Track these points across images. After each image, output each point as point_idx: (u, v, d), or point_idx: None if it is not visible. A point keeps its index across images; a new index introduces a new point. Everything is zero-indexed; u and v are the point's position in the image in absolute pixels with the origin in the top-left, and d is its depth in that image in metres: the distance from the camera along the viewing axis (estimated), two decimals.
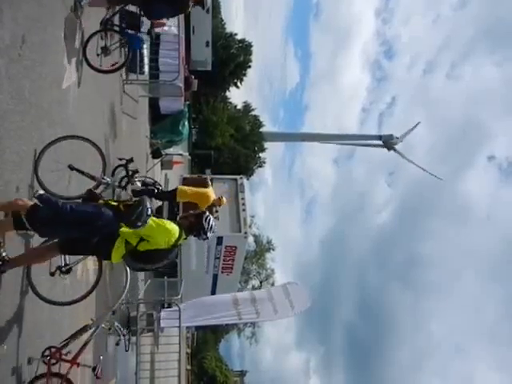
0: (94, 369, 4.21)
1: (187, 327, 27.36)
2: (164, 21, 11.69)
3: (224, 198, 9.27)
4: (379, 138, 63.33)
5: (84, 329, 4.25)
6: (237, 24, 78.71)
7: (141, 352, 8.35)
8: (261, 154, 50.66)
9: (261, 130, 51.16)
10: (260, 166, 51.33)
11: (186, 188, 8.90)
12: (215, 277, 12.93)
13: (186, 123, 14.38)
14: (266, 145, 51.39)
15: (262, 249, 47.61)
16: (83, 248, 3.82)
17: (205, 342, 53.52)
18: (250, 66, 49.20)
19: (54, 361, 3.96)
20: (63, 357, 4.03)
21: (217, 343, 59.15)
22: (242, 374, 55.79)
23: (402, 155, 61.28)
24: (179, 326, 8.41)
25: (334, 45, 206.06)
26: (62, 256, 4.25)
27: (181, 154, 15.89)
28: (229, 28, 50.18)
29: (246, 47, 47.65)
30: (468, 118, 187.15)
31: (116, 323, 4.71)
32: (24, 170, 4.00)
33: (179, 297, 8.99)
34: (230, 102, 52.58)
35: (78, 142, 5.04)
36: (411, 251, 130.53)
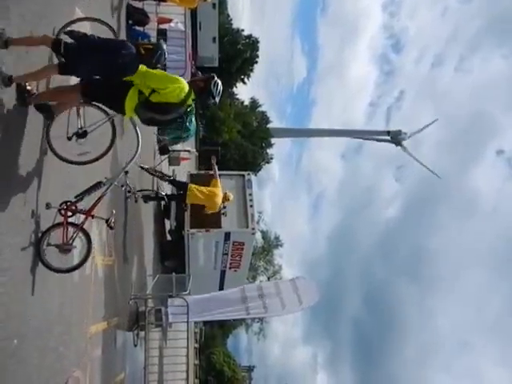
0: (107, 221, 4.52)
1: (195, 322, 27.53)
2: (170, 17, 11.71)
3: (230, 194, 9.32)
4: (387, 133, 62.90)
5: (98, 185, 4.42)
6: (243, 20, 78.55)
7: (149, 347, 8.41)
8: (268, 150, 50.65)
9: (268, 125, 51.10)
10: (267, 162, 51.31)
11: (196, 192, 9.08)
12: (223, 273, 12.97)
13: (193, 119, 14.33)
14: (273, 141, 51.34)
15: (270, 245, 47.63)
16: (102, 94, 4.04)
17: (213, 337, 53.78)
18: (256, 62, 49.11)
19: (70, 213, 4.19)
20: (78, 209, 4.26)
21: (225, 338, 59.43)
22: (250, 369, 55.98)
23: (406, 151, 60.82)
24: (187, 321, 8.44)
25: (341, 39, 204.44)
26: (79, 119, 4.35)
27: (188, 151, 15.91)
28: (235, 24, 50.13)
29: (252, 43, 47.55)
30: (476, 111, 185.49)
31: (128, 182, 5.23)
32: (28, 167, 4.01)
33: (187, 292, 9.02)
34: (237, 98, 52.57)
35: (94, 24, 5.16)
36: (418, 246, 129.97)
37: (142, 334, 8.39)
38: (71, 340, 4.79)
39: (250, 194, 12.94)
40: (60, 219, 4.16)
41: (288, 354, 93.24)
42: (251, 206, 12.65)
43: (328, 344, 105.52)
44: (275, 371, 77.12)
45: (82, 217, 4.35)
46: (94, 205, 4.43)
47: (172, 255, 12.82)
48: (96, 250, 5.81)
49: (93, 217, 4.40)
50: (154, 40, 10.41)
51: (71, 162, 4.43)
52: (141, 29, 9.51)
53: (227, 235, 12.11)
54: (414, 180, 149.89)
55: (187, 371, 8.87)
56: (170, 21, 11.78)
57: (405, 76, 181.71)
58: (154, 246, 11.48)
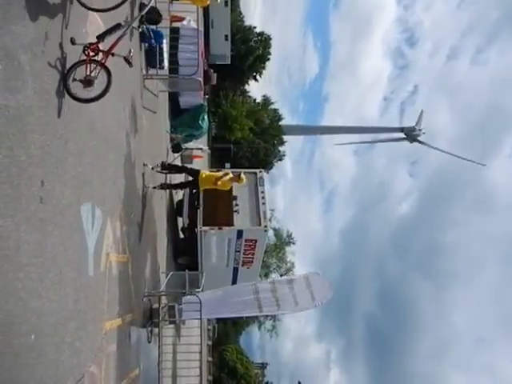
0: (125, 58, 4.91)
1: (208, 319, 27.67)
2: (183, 15, 11.72)
3: (243, 176, 9.39)
4: (401, 130, 62.25)
5: (117, 26, 4.74)
6: (255, 17, 78.49)
7: (163, 343, 8.48)
8: (280, 148, 50.52)
9: (280, 123, 50.95)
10: (280, 160, 51.23)
11: (207, 175, 9.30)
12: (235, 270, 13.01)
13: (206, 117, 14.42)
14: (286, 138, 51.19)
15: (282, 242, 47.57)
16: None
17: (226, 334, 54.04)
18: (268, 59, 49.00)
19: (92, 52, 4.55)
20: (100, 49, 4.62)
21: (237, 336, 59.63)
22: (263, 366, 56.12)
23: (428, 145, 60.10)
24: (200, 318, 8.49)
25: (354, 34, 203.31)
26: None
27: (201, 148, 15.97)
28: (247, 21, 50.13)
29: (264, 40, 47.42)
30: (493, 104, 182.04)
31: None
32: (50, 162, 4.08)
33: (200, 289, 9.07)
34: (249, 96, 52.52)
35: None
36: (433, 241, 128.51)
37: (156, 330, 8.46)
38: (87, 336, 4.86)
39: (263, 192, 12.94)
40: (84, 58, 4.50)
41: (301, 351, 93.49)
42: (263, 203, 12.66)
43: (341, 341, 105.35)
44: (288, 368, 77.35)
45: (104, 56, 4.67)
46: (115, 44, 4.75)
47: (185, 253, 12.90)
48: (110, 247, 5.87)
49: (113, 54, 4.74)
50: (167, 37, 10.47)
51: None
52: (154, 27, 9.55)
53: (240, 233, 12.14)
54: (428, 175, 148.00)
55: (200, 367, 8.91)
56: (182, 19, 11.79)
57: (419, 70, 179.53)
58: (167, 244, 11.56)
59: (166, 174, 10.22)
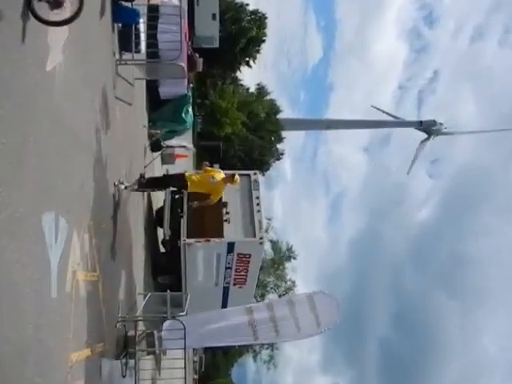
0: None
1: (194, 349, 27.58)
2: None
3: (237, 177, 9.40)
4: (419, 123, 62.81)
5: None
6: None
7: (140, 378, 8.43)
8: (278, 145, 50.70)
9: (278, 116, 51.15)
10: (277, 159, 51.42)
11: (194, 177, 9.27)
12: (226, 290, 12.98)
13: (190, 110, 14.43)
14: (284, 134, 51.38)
15: (281, 257, 47.70)
16: None
17: (215, 366, 53.84)
18: (264, 41, 49.30)
19: None
20: None
21: (229, 368, 59.44)
22: None
23: (450, 133, 61.14)
24: (184, 348, 8.45)
25: (363, 11, 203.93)
26: None
27: (184, 146, 15.99)
28: None
29: (259, 19, 47.72)
30: None
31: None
32: (5, 161, 4.06)
33: (184, 313, 9.04)
34: (242, 85, 52.75)
35: None
36: (458, 252, 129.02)
37: (132, 362, 8.41)
38: (49, 370, 4.81)
39: (258, 197, 12.96)
40: None
41: None
42: (259, 211, 12.67)
43: (351, 372, 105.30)
44: None
45: None
46: None
47: (166, 270, 12.87)
48: (77, 263, 5.84)
49: None
50: (144, 16, 10.49)
51: None
52: (128, 4, 9.58)
53: (231, 246, 12.14)
54: (451, 175, 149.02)
55: None
56: None
57: (439, 53, 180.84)
58: (145, 260, 11.52)
59: (144, 192, 10.19)
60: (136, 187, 9.42)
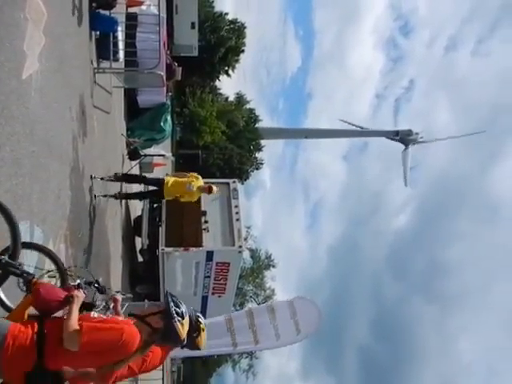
0: None
1: (172, 359, 27.25)
2: None
3: (215, 188, 9.43)
4: (396, 133, 63.77)
5: None
6: (227, 2, 79.41)
7: None
8: (257, 154, 50.84)
9: (257, 125, 51.33)
10: (256, 168, 51.49)
11: (172, 181, 9.25)
12: (205, 299, 12.90)
13: (169, 118, 14.39)
14: (263, 143, 51.56)
15: (260, 265, 47.58)
16: None
17: (193, 376, 53.26)
18: (243, 51, 49.49)
19: None
20: None
21: (208, 378, 58.90)
22: None
23: (425, 141, 62.28)
24: None
25: (341, 21, 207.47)
26: None
27: (163, 155, 15.91)
28: (218, 7, 50.53)
29: (238, 29, 47.95)
30: (498, 101, 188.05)
31: None
32: None
33: None
34: (221, 93, 52.82)
35: None
36: (435, 258, 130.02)
37: None
38: None
39: (237, 206, 12.95)
40: None
41: None
42: (237, 219, 12.66)
43: (331, 379, 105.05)
44: None
45: None
46: None
47: (144, 279, 12.74)
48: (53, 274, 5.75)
49: None
50: (122, 24, 10.45)
51: None
52: (106, 12, 9.54)
53: (209, 255, 12.08)
54: (428, 183, 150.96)
55: None
56: (141, 3, 11.84)
57: (415, 63, 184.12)
58: (122, 269, 11.39)
59: (120, 183, 10.15)
60: (112, 178, 9.44)
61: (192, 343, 3.51)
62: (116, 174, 9.75)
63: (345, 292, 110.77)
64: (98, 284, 3.86)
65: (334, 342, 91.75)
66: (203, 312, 13.05)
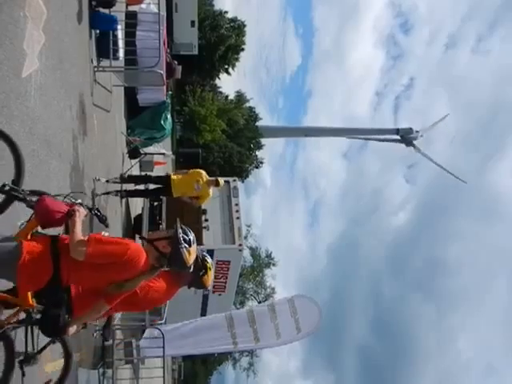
0: None
1: (173, 357, 27.33)
2: None
3: (222, 180, 9.44)
4: (396, 131, 63.67)
5: None
6: (227, 0, 79.28)
7: None
8: (257, 152, 50.84)
9: (257, 123, 51.31)
10: (256, 167, 51.49)
11: (178, 178, 9.24)
12: (205, 297, 12.92)
13: (169, 117, 14.38)
14: (264, 141, 51.55)
15: (261, 264, 47.64)
16: None
17: (194, 374, 53.39)
18: (243, 49, 49.48)
19: None
20: None
21: (208, 376, 59.00)
22: None
23: (422, 153, 61.87)
24: (163, 356, 8.38)
25: (341, 19, 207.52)
26: None
27: (163, 154, 15.90)
28: (218, 5, 50.55)
29: (238, 27, 47.91)
30: (498, 98, 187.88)
31: None
32: None
33: (163, 322, 8.97)
34: (221, 92, 52.82)
35: None
36: (434, 257, 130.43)
37: (110, 372, 8.30)
38: (25, 380, 4.71)
39: (237, 204, 12.96)
40: None
41: None
42: (238, 218, 12.67)
43: (331, 377, 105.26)
44: None
45: None
46: None
47: None
48: None
49: None
50: (122, 23, 10.44)
51: None
52: (106, 11, 9.53)
53: (210, 253, 12.09)
54: (427, 181, 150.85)
55: None
56: (140, 1, 11.81)
57: (415, 60, 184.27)
58: None
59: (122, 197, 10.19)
60: (118, 180, 9.46)
61: (199, 281, 3.65)
62: (122, 175, 9.73)
63: (344, 290, 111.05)
64: (99, 212, 3.87)
65: (334, 339, 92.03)
66: (203, 310, 13.09)
